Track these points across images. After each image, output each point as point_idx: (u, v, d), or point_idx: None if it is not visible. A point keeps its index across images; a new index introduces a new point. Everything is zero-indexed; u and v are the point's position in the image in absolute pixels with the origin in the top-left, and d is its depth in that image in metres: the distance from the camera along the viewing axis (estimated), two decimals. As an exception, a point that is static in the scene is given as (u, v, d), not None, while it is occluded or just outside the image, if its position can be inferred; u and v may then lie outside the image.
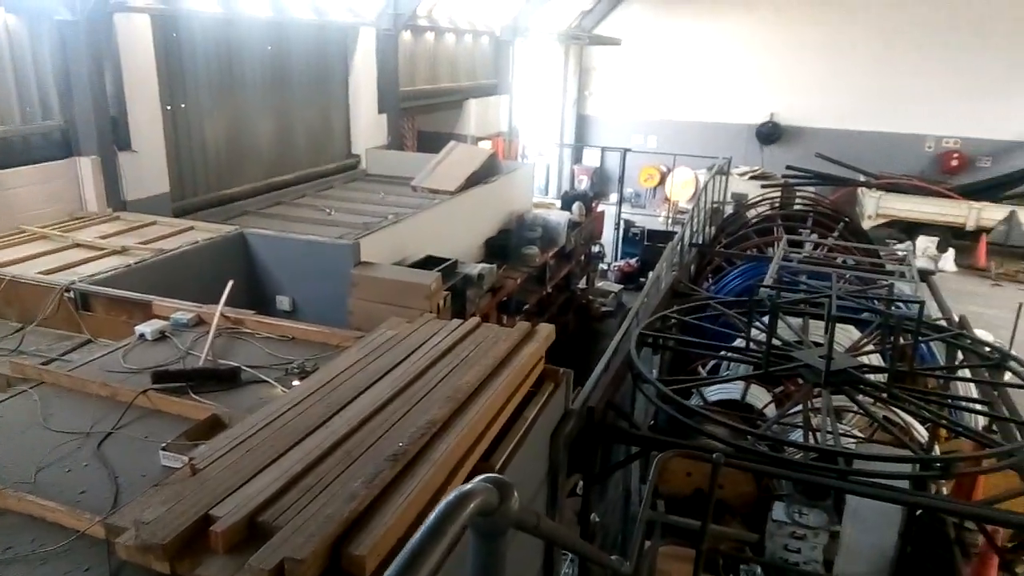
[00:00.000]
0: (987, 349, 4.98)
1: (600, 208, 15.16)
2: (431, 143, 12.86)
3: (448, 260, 7.04)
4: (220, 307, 4.11)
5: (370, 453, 2.42)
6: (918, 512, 5.20)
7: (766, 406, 6.81)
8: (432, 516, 1.04)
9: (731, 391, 7.12)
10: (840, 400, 5.59)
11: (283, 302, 6.12)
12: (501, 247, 9.22)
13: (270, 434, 2.58)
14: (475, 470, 2.73)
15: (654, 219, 18.77)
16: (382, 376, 3.05)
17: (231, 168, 8.63)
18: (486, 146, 14.69)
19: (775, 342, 4.96)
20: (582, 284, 12.63)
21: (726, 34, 20.79)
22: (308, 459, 2.38)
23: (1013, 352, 10.88)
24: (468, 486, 1.14)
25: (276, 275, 6.14)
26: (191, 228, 6.30)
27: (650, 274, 7.42)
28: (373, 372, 3.09)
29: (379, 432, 2.57)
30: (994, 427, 4.84)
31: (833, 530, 5.57)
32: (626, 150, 15.57)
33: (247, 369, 3.51)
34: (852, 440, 6.17)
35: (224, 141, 8.52)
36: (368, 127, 11.12)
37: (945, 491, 5.36)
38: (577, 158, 22.71)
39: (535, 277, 9.56)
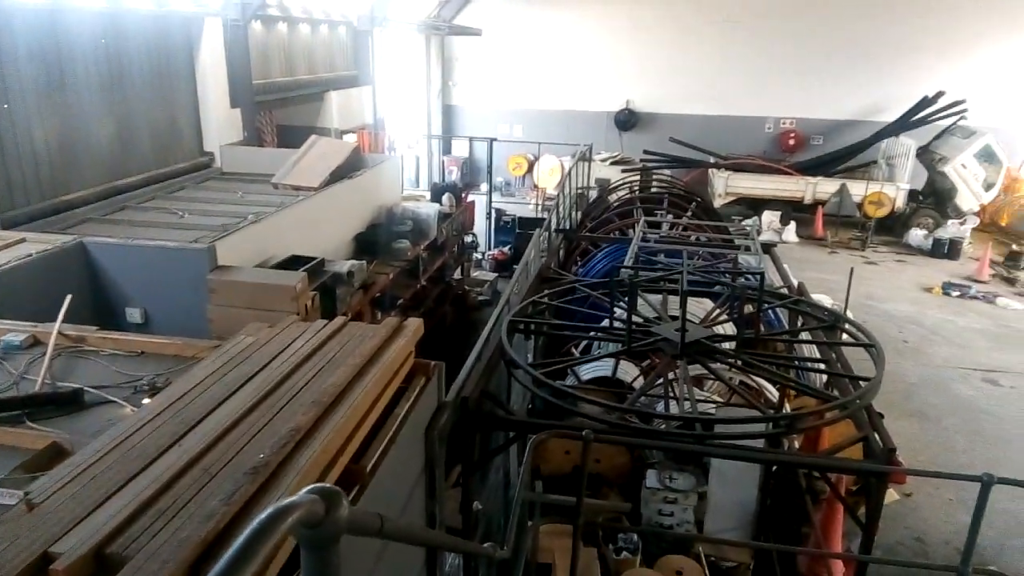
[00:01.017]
0: (823, 313, 5.46)
1: (471, 198, 15.23)
2: (292, 137, 12.38)
3: (315, 259, 6.83)
4: (57, 324, 3.78)
5: (229, 469, 2.33)
6: (773, 467, 5.68)
7: (635, 379, 7.17)
8: (244, 534, 1.01)
9: (602, 368, 7.42)
10: (700, 369, 5.98)
11: (133, 315, 5.71)
12: (371, 242, 9.06)
13: (118, 458, 2.41)
14: (345, 473, 2.69)
15: (525, 207, 19.09)
16: (241, 386, 2.93)
17: (66, 173, 7.91)
18: (351, 139, 14.35)
19: (637, 319, 5.21)
20: (457, 275, 12.66)
21: (582, 23, 21.43)
22: (161, 481, 2.25)
23: (848, 313, 11.96)
24: (289, 499, 1.12)
25: (124, 286, 5.71)
26: (22, 240, 5.73)
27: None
28: (231, 382, 2.96)
29: (239, 445, 2.47)
30: (832, 383, 5.35)
31: (701, 491, 5.95)
32: (492, 140, 15.72)
33: (91, 390, 3.25)
34: (713, 405, 6.63)
35: (56, 144, 7.80)
36: (221, 123, 10.54)
37: (797, 445, 5.87)
38: (446, 149, 22.66)
39: (408, 271, 9.47)
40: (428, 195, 13.07)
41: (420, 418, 3.45)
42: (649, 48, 21.09)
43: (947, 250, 16.83)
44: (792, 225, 18.15)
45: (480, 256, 15.45)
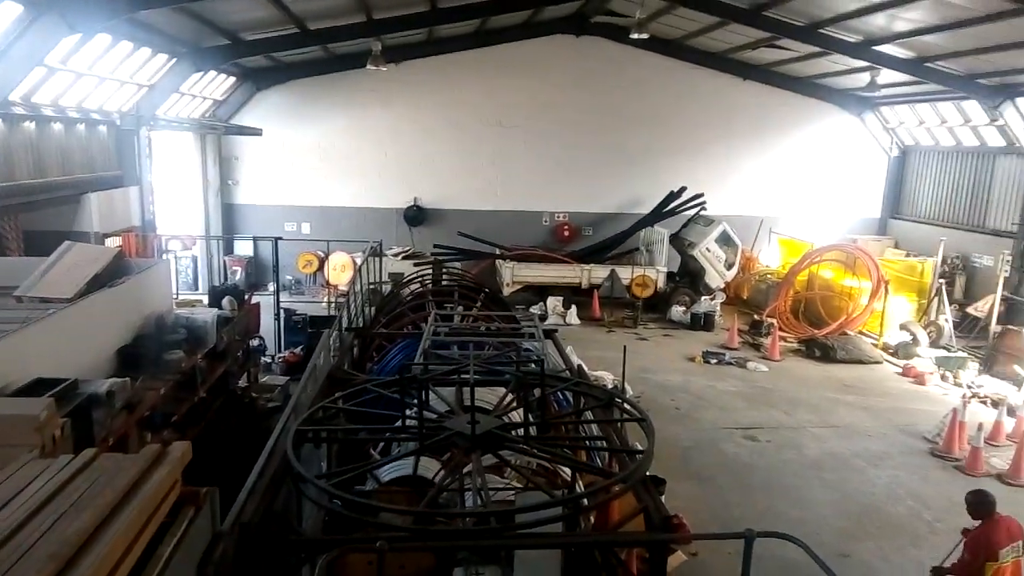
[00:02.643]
0: (600, 392, 5.84)
1: (256, 299, 14.53)
2: (43, 244, 11.07)
3: (65, 380, 6.04)
4: None
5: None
6: (571, 549, 5.83)
7: (436, 475, 7.08)
8: None
9: (403, 467, 7.25)
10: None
11: None
12: (138, 355, 8.21)
13: None
14: (95, 635, 2.32)
15: (317, 305, 18.59)
16: (-46, 548, 2.45)
17: None
18: (114, 243, 13.18)
19: (431, 414, 5.21)
20: (243, 382, 11.85)
21: (366, 124, 22.00)
22: None
23: (627, 386, 12.83)
24: None
25: None
26: None
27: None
28: (-59, 545, 2.47)
29: (-53, 624, 2.05)
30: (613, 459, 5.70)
31: (507, 582, 5.93)
32: (278, 238, 15.27)
33: None
34: (512, 492, 6.72)
35: None
36: (-52, 231, 9.18)
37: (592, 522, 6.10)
38: (228, 249, 21.58)
39: (184, 383, 8.69)
40: (206, 299, 12.25)
41: (190, 554, 3.11)
42: (433, 148, 22.13)
43: (703, 323, 19.03)
44: (574, 309, 19.49)
45: (269, 360, 14.64)
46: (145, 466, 3.05)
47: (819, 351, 16.81)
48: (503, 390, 7.14)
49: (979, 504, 6.63)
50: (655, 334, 18.70)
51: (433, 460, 7.15)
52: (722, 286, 20.90)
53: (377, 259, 15.73)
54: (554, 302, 19.59)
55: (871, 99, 22.38)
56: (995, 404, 13.34)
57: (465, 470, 5.65)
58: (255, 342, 13.32)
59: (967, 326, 18.32)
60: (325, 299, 18.37)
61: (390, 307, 11.56)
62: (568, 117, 22.30)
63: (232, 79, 20.18)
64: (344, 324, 9.44)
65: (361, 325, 11.06)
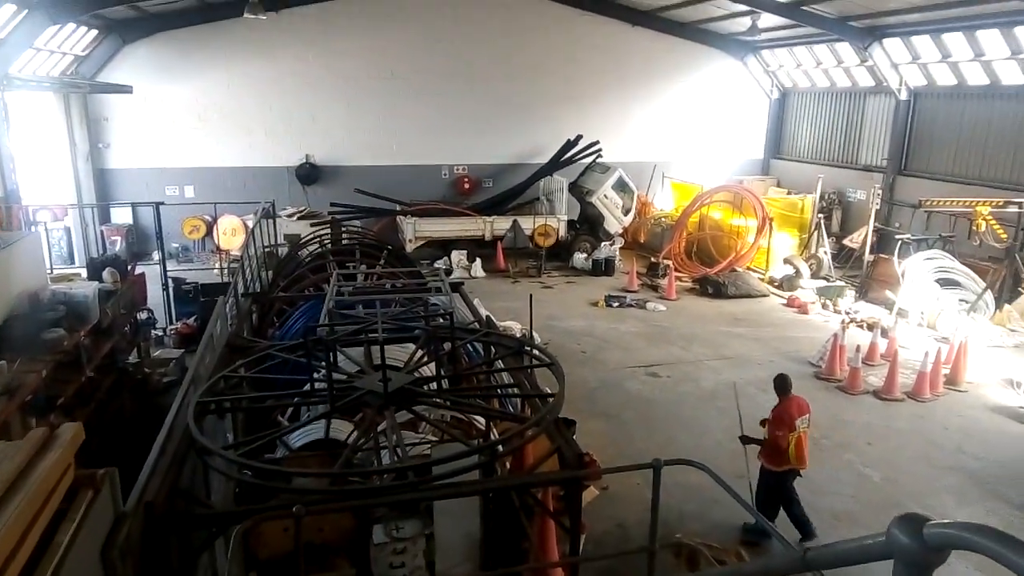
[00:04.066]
0: (510, 341, 5.92)
1: (140, 270, 13.69)
2: None
3: (-71, 370, 5.52)
4: None
5: None
6: (490, 494, 5.96)
7: (349, 436, 7.01)
8: None
9: (314, 432, 7.12)
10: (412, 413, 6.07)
11: None
12: (12, 337, 7.60)
13: None
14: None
15: (209, 272, 17.72)
16: None
17: None
18: (-30, 217, 12.01)
19: (340, 376, 5.12)
20: (133, 358, 11.22)
21: (248, 78, 20.80)
22: None
23: (535, 334, 13.04)
24: None
25: None
26: None
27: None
28: None
29: None
30: (526, 404, 5.82)
31: (429, 533, 6.01)
32: (159, 204, 14.32)
33: None
34: (429, 445, 6.76)
35: None
36: None
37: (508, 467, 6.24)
38: (104, 218, 20.12)
39: (68, 364, 8.14)
40: (85, 272, 11.42)
41: (92, 540, 2.95)
42: (323, 103, 21.25)
43: (604, 268, 19.54)
44: (478, 261, 19.52)
45: (161, 332, 13.89)
46: (32, 452, 2.84)
47: (712, 288, 17.66)
48: (412, 346, 7.14)
49: (780, 386, 7.91)
50: (559, 282, 19.05)
51: (345, 422, 7.08)
52: (620, 231, 21.45)
53: (270, 221, 15.12)
54: (458, 256, 19.54)
55: (753, 43, 23.19)
56: (870, 327, 14.51)
57: (380, 428, 5.64)
58: (143, 315, 12.60)
59: (844, 257, 19.71)
60: (217, 265, 17.53)
61: (288, 270, 11.18)
62: (462, 68, 21.91)
63: (94, 32, 18.49)
64: (240, 290, 9.05)
65: (259, 290, 10.66)
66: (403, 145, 21.93)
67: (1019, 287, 15.34)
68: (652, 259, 19.78)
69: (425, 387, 5.47)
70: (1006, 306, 14.95)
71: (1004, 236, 15.29)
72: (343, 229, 15.35)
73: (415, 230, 19.50)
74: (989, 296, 14.81)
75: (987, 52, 16.70)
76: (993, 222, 15.23)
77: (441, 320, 6.72)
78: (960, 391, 11.84)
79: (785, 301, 17.06)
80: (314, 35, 20.74)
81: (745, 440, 8.07)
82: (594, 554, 6.57)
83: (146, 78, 19.72)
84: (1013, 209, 15.08)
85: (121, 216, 20.31)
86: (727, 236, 19.98)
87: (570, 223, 20.90)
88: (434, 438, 7.12)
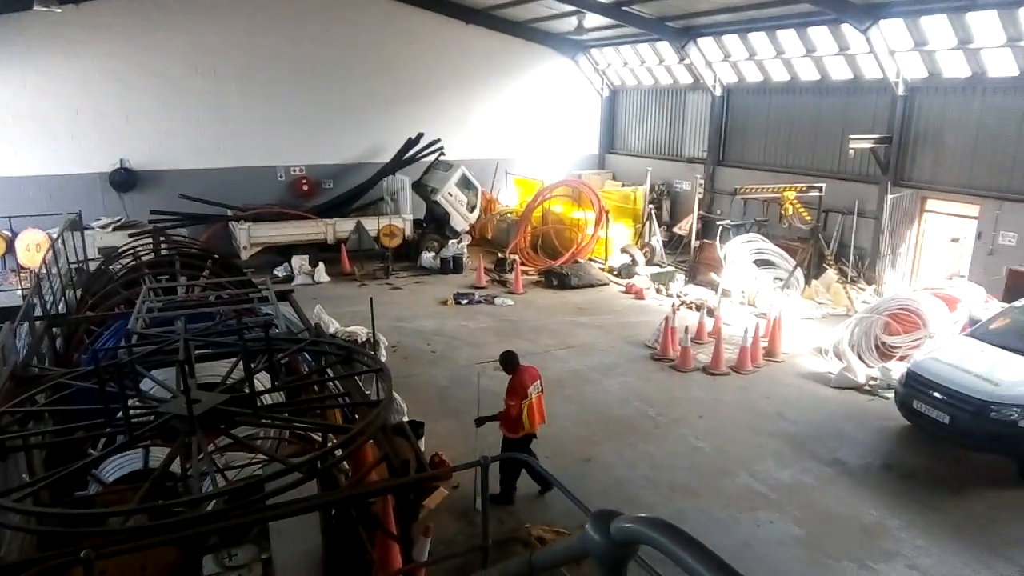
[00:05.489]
0: (335, 349, 5.69)
1: (-83, 297, 11.91)
2: None
3: None
4: None
5: None
6: (331, 510, 5.70)
7: (170, 464, 6.45)
8: None
9: (131, 462, 6.50)
10: (249, 430, 5.67)
11: None
12: None
13: None
14: None
15: (11, 294, 15.76)
16: None
17: None
18: None
19: (152, 400, 4.67)
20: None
21: (47, 78, 18.69)
22: None
23: (380, 337, 12.74)
24: None
25: None
26: None
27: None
28: None
29: None
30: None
31: (265, 557, 5.64)
32: (-61, 220, 12.53)
33: None
34: (260, 465, 6.36)
35: None
36: None
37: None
38: None
39: None
40: None
41: None
42: (137, 103, 19.52)
43: (453, 266, 19.53)
44: (322, 266, 18.83)
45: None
46: None
47: (556, 280, 18.16)
48: (232, 362, 6.69)
49: (508, 361, 8.45)
50: (407, 282, 18.80)
51: (163, 448, 6.51)
52: (467, 228, 21.54)
53: (79, 233, 13.70)
54: (300, 261, 18.73)
55: (582, 43, 24.09)
56: (698, 308, 15.55)
57: (208, 450, 5.21)
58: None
59: (674, 244, 21.02)
60: (20, 285, 15.64)
61: (98, 287, 10.14)
62: (294, 65, 20.97)
63: None
64: (37, 312, 8.08)
65: (63, 311, 9.59)
66: (233, 146, 20.64)
67: (824, 263, 17.07)
68: (499, 255, 20.03)
69: (258, 401, 5.13)
70: (814, 281, 16.58)
71: (809, 218, 16.93)
72: (165, 239, 14.23)
73: (250, 236, 18.46)
74: (799, 273, 16.35)
75: (787, 51, 18.40)
76: (799, 206, 16.81)
77: (275, 330, 6.35)
78: (778, 362, 12.97)
79: (624, 288, 17.90)
80: (124, 29, 18.97)
81: (479, 421, 8.45)
82: (432, 558, 6.46)
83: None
84: (815, 193, 16.75)
85: None
86: (569, 229, 20.65)
87: (416, 222, 20.70)
88: (265, 456, 6.74)
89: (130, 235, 15.73)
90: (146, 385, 5.61)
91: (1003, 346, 9.69)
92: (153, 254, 11.61)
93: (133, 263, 10.54)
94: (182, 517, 4.16)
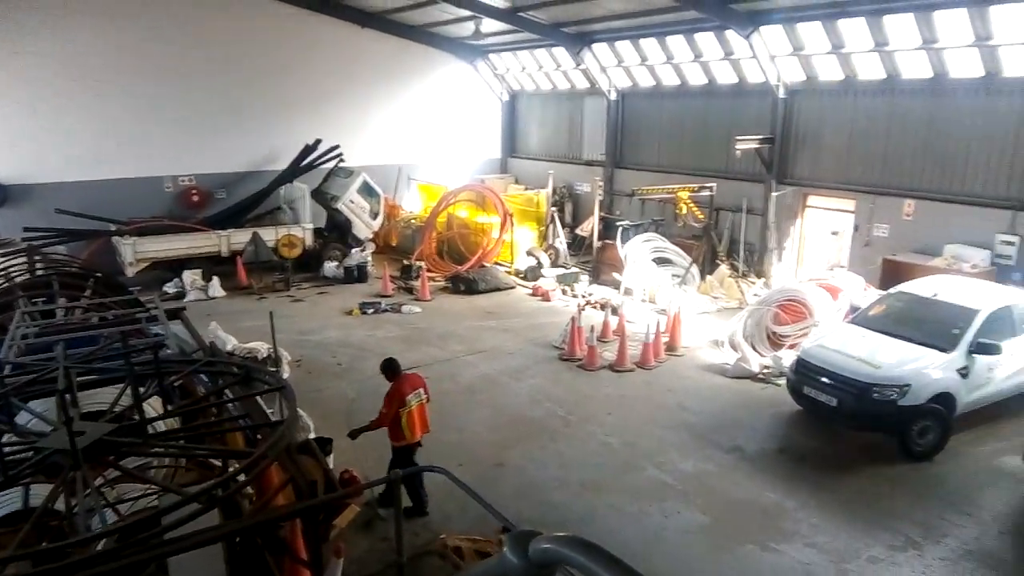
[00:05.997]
0: (232, 368, 5.44)
1: None
2: None
3: None
4: None
5: None
6: (236, 539, 5.43)
7: (53, 502, 5.98)
8: None
9: (9, 502, 5.98)
10: (139, 460, 5.30)
11: None
12: None
13: None
14: None
15: None
16: None
17: None
18: None
19: (37, 433, 4.30)
20: None
21: None
22: None
23: (282, 351, 12.31)
24: None
25: None
26: None
27: None
28: None
29: None
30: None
31: (164, 594, 5.32)
32: None
33: None
34: (156, 496, 5.98)
35: None
36: None
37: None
38: None
39: None
40: None
41: None
42: (4, 113, 18.01)
43: (357, 275, 19.13)
44: (216, 280, 17.99)
45: None
46: None
47: (463, 285, 18.13)
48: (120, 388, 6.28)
49: (389, 369, 8.37)
50: (310, 293, 18.26)
51: (45, 485, 6.03)
52: (370, 236, 21.16)
53: (-61, 255, 12.46)
54: (192, 276, 17.82)
55: (481, 47, 24.19)
56: (602, 307, 15.92)
57: (97, 484, 4.86)
58: None
59: (578, 245, 21.44)
60: None
61: (-36, 312, 9.27)
62: (181, 71, 19.92)
63: None
64: None
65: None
66: (115, 156, 19.38)
67: (717, 260, 17.86)
68: (405, 261, 19.78)
69: (149, 429, 4.81)
70: (708, 277, 17.32)
71: (701, 217, 17.67)
72: (41, 258, 13.18)
73: (135, 251, 17.41)
74: (695, 270, 17.04)
75: (676, 56, 19.15)
76: (692, 205, 17.52)
77: (166, 352, 6.00)
78: (679, 356, 13.46)
79: (530, 291, 18.08)
80: (-18, 32, 17.51)
81: (353, 434, 8.37)
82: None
83: None
84: (706, 193, 17.51)
85: None
86: (474, 233, 20.66)
87: (317, 231, 20.14)
88: (160, 485, 6.36)
89: (0, 254, 14.48)
90: (23, 419, 5.21)
91: (882, 331, 10.44)
92: (28, 275, 10.78)
93: (5, 285, 9.71)
94: (70, 560, 3.87)
